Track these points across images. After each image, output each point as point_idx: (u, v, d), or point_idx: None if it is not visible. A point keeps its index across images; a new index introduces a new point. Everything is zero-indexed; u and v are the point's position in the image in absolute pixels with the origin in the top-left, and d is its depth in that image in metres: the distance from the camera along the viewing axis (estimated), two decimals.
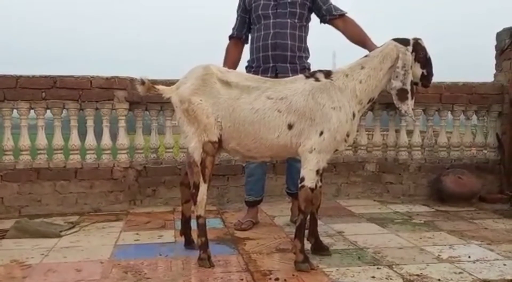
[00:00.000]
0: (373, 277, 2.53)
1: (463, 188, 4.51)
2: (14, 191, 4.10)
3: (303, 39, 3.51)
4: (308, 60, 3.58)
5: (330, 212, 4.11)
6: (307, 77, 2.78)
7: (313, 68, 3.49)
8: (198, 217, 2.74)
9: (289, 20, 3.43)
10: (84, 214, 4.10)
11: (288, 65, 3.44)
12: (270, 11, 3.44)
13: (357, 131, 4.36)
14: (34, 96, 4.14)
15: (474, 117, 5.10)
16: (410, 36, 2.81)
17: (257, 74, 3.38)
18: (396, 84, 2.71)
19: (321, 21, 3.54)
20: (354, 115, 2.73)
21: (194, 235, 2.93)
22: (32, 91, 4.14)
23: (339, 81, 2.72)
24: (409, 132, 5.07)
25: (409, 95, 2.71)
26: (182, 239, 3.06)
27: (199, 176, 2.71)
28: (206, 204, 2.75)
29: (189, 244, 3.03)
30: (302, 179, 2.66)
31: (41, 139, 4.23)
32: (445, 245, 3.14)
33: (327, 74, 2.77)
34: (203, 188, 2.71)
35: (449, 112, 4.97)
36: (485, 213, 4.19)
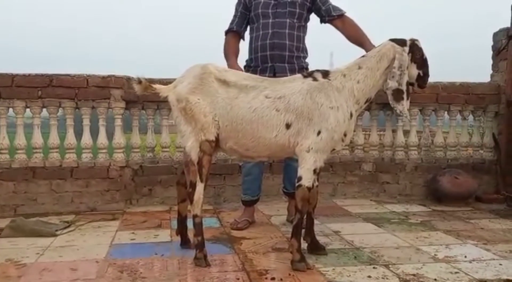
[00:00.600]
0: (369, 276, 2.53)
1: (459, 188, 4.52)
2: (10, 190, 4.08)
3: (301, 39, 3.51)
4: (306, 60, 3.58)
5: (327, 212, 4.11)
6: (305, 76, 2.78)
7: (310, 68, 3.49)
8: (194, 216, 2.74)
9: (288, 20, 3.42)
10: (80, 213, 4.09)
11: (286, 65, 3.44)
12: (269, 10, 3.44)
13: (354, 131, 4.36)
14: (30, 95, 4.12)
15: (471, 117, 5.12)
16: (407, 36, 2.81)
17: (256, 74, 3.37)
18: (392, 84, 2.71)
19: (321, 21, 3.55)
20: (351, 115, 2.73)
21: (190, 234, 2.93)
22: (28, 89, 4.11)
23: (337, 81, 2.73)
24: (406, 132, 5.08)
25: (405, 95, 2.71)
26: (178, 239, 3.05)
27: (196, 175, 2.70)
28: (202, 203, 2.75)
29: (185, 243, 3.02)
30: (299, 178, 2.66)
31: (37, 138, 4.21)
32: (441, 245, 3.14)
33: (325, 74, 2.77)
34: (199, 187, 2.70)
35: (446, 112, 4.98)
36: (481, 213, 4.20)
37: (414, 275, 2.56)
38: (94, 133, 4.37)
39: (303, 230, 2.79)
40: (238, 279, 2.49)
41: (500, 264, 2.74)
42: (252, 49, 3.54)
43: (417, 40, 2.78)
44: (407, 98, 2.74)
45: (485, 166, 4.94)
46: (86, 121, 4.30)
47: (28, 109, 4.19)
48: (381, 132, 5.52)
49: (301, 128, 2.65)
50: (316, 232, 3.02)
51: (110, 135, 4.40)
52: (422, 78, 2.81)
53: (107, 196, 4.25)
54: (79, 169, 4.22)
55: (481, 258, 2.86)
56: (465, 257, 2.88)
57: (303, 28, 3.52)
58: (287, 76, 3.07)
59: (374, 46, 3.01)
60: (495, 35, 5.09)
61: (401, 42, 2.75)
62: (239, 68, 3.42)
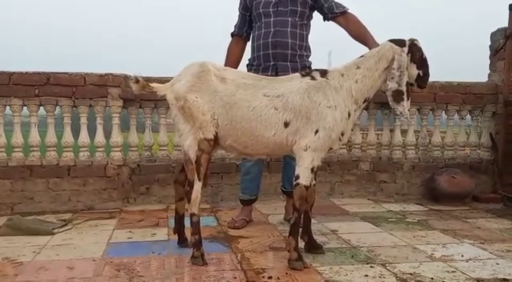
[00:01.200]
0: (366, 275, 2.53)
1: (456, 187, 4.53)
2: (7, 188, 4.07)
3: (304, 38, 3.48)
4: (310, 59, 3.55)
5: (324, 211, 4.11)
6: (303, 75, 2.78)
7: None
8: (192, 215, 2.73)
9: (289, 19, 3.41)
10: (77, 211, 4.08)
11: (288, 63, 3.41)
12: (271, 9, 3.42)
13: (352, 130, 4.36)
14: (27, 93, 4.11)
15: (468, 117, 5.13)
16: (407, 36, 2.80)
17: (258, 72, 3.37)
18: (392, 85, 2.71)
19: (324, 19, 3.51)
20: (349, 114, 2.73)
21: (188, 233, 2.92)
22: (25, 88, 4.11)
23: (335, 80, 2.72)
24: (404, 132, 5.09)
25: (405, 96, 2.71)
26: (175, 237, 3.05)
27: (194, 173, 2.69)
28: (200, 202, 2.75)
29: (182, 242, 3.02)
30: (297, 177, 2.66)
31: (34, 137, 4.21)
32: (438, 244, 3.15)
33: (323, 73, 2.77)
34: (197, 185, 2.70)
35: (443, 112, 4.99)
36: (479, 213, 4.21)
37: (411, 274, 2.56)
38: (92, 132, 4.36)
39: (300, 229, 2.79)
40: (235, 278, 2.48)
41: (497, 263, 2.75)
42: (254, 48, 3.53)
43: (416, 40, 2.77)
44: (408, 99, 2.73)
45: (482, 165, 4.95)
46: (83, 120, 4.30)
47: (25, 108, 4.18)
48: (379, 132, 5.53)
49: (299, 127, 2.65)
50: (313, 231, 3.02)
51: (107, 134, 4.39)
52: (422, 78, 2.80)
53: (104, 194, 4.25)
54: (76, 168, 4.22)
55: (478, 257, 2.86)
56: (462, 256, 2.88)
57: (305, 27, 3.50)
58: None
59: (378, 44, 2.97)
60: (493, 35, 5.10)
61: (400, 42, 2.75)
62: None
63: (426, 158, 4.93)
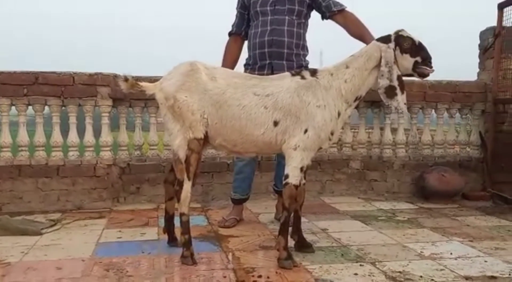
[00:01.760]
0: (356, 274, 2.54)
1: (446, 186, 4.55)
2: None
3: (301, 37, 3.46)
4: (307, 58, 3.53)
5: (315, 209, 4.11)
6: (293, 75, 2.77)
7: None
8: (181, 215, 2.73)
9: (287, 17, 3.38)
10: (67, 211, 4.05)
11: (284, 62, 3.39)
12: (268, 8, 3.40)
13: (342, 129, 4.37)
14: (16, 92, 4.08)
15: (458, 115, 5.15)
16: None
17: (254, 71, 3.36)
18: (383, 82, 2.69)
19: (322, 18, 3.49)
20: (339, 114, 2.72)
21: (178, 232, 2.91)
22: (13, 87, 4.07)
23: (324, 79, 2.72)
24: (394, 130, 5.11)
25: (398, 91, 2.68)
26: (165, 237, 3.04)
27: (183, 173, 2.68)
28: (190, 202, 2.74)
29: (172, 241, 3.01)
30: (286, 176, 2.66)
31: (23, 136, 4.17)
32: (427, 242, 3.16)
33: (313, 72, 2.76)
34: (187, 185, 2.69)
35: (433, 110, 5.02)
36: (468, 210, 4.23)
37: (400, 272, 2.57)
38: (81, 132, 4.33)
39: (290, 228, 2.79)
40: (225, 277, 2.48)
41: (485, 261, 2.77)
42: (250, 47, 3.50)
43: (401, 30, 2.72)
44: (402, 93, 2.68)
45: (471, 163, 4.98)
46: (72, 119, 4.27)
47: (13, 107, 4.14)
48: (369, 130, 5.55)
49: (289, 126, 2.65)
50: (303, 229, 3.03)
51: (97, 133, 4.36)
52: (424, 63, 2.70)
53: (94, 194, 4.22)
54: (65, 167, 4.19)
55: (467, 255, 2.88)
56: (451, 254, 2.90)
57: (303, 25, 3.47)
58: None
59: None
60: (482, 33, 5.13)
61: (385, 39, 2.73)
62: None
63: (416, 156, 4.95)
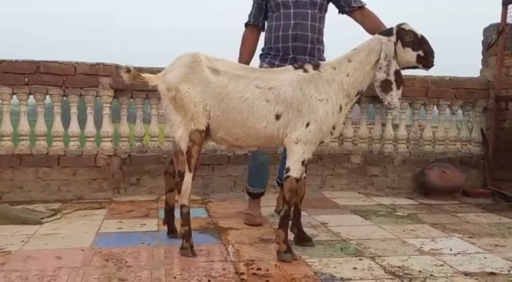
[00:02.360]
0: (355, 268, 2.54)
1: (447, 182, 4.55)
2: None
3: (321, 31, 3.41)
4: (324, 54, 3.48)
5: (315, 204, 4.11)
6: (296, 68, 2.76)
7: None
8: (182, 206, 2.73)
9: (309, 11, 3.32)
10: (67, 201, 4.06)
11: (307, 57, 3.33)
12: (290, 0, 3.34)
13: (344, 123, 4.36)
14: (17, 81, 4.06)
15: (460, 112, 5.14)
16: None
17: (275, 63, 3.32)
18: (380, 75, 2.67)
19: (339, 12, 3.45)
20: (341, 108, 2.71)
21: (178, 224, 2.92)
22: (15, 76, 4.06)
23: (327, 73, 2.71)
24: (395, 126, 5.10)
25: (393, 86, 2.66)
26: (165, 228, 3.04)
27: (185, 164, 2.68)
28: (190, 193, 2.74)
29: (172, 233, 3.02)
30: (288, 169, 2.66)
31: (24, 126, 4.16)
32: (427, 238, 3.16)
33: (316, 66, 2.76)
34: (188, 177, 2.69)
35: (435, 106, 5.01)
36: (468, 207, 4.23)
37: (399, 267, 2.57)
38: (82, 122, 4.32)
39: (290, 221, 2.79)
40: (224, 269, 2.48)
41: (485, 258, 2.77)
42: (272, 39, 3.41)
43: (403, 24, 2.71)
44: (398, 88, 2.67)
45: (472, 160, 4.98)
46: (73, 109, 4.25)
47: (15, 96, 4.13)
48: (371, 126, 5.54)
49: (290, 119, 2.64)
50: (303, 223, 3.03)
51: (98, 124, 4.36)
52: (425, 57, 2.69)
53: (94, 184, 4.22)
54: (66, 157, 4.19)
55: (466, 251, 2.88)
56: (451, 250, 2.90)
57: (322, 19, 3.42)
58: None
59: None
60: (485, 30, 5.11)
61: (387, 32, 2.72)
62: None
63: (417, 152, 4.95)
